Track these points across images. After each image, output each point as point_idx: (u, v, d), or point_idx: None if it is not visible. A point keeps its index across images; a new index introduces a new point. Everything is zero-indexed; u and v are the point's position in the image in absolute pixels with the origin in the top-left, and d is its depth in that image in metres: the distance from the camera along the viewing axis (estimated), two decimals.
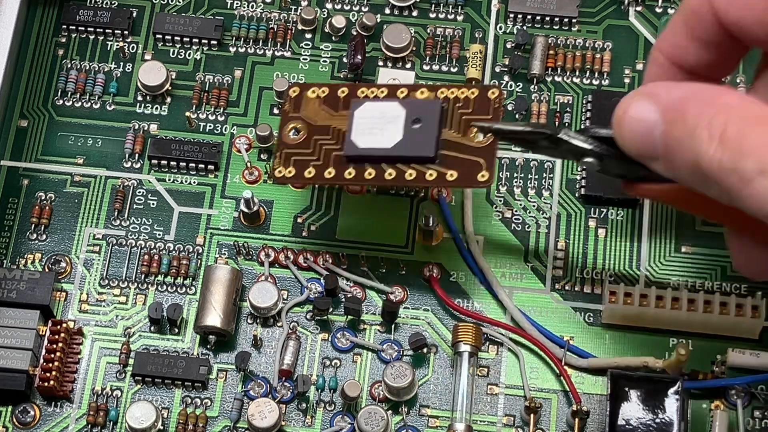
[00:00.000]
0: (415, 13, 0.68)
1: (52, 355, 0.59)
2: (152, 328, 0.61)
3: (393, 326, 0.61)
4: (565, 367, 0.59)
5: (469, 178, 0.55)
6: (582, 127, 0.54)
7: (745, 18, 0.49)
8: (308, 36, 0.68)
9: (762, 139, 0.43)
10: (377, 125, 0.57)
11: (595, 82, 0.66)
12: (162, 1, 0.68)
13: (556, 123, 0.65)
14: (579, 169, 0.64)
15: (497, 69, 0.67)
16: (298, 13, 0.68)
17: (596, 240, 0.63)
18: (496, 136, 0.55)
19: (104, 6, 0.68)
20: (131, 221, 0.63)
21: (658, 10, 0.68)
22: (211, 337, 0.60)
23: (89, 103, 0.66)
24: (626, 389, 0.56)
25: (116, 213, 0.63)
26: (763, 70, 0.54)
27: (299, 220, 0.63)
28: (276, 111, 0.66)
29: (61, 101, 0.66)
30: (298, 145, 0.58)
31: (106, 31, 0.67)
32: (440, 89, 0.57)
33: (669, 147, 0.47)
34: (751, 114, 0.45)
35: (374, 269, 0.62)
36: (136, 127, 0.66)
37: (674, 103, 0.47)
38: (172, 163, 0.64)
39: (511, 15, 0.67)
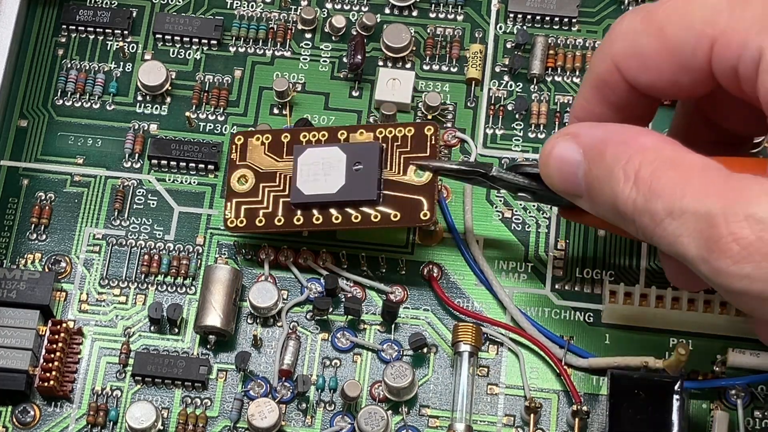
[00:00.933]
0: (415, 13, 0.68)
1: (52, 355, 0.59)
2: (152, 328, 0.61)
3: (393, 326, 0.61)
4: (565, 367, 0.59)
5: (412, 216, 0.58)
6: (513, 163, 0.57)
7: (656, 82, 0.50)
8: (308, 36, 0.68)
9: (672, 181, 0.45)
10: (320, 171, 0.59)
11: None
12: (162, 1, 0.68)
13: (556, 123, 0.65)
14: None
15: (497, 69, 0.67)
16: (298, 13, 0.68)
17: (596, 240, 0.63)
18: (434, 173, 0.58)
19: (104, 6, 0.68)
20: (131, 221, 0.63)
21: None
22: (211, 337, 0.60)
23: (89, 103, 0.66)
24: (626, 389, 0.56)
25: (116, 213, 0.63)
26: (680, 111, 0.56)
27: None
28: (276, 111, 0.66)
29: (61, 101, 0.66)
30: (246, 193, 0.60)
31: (106, 31, 0.67)
32: (378, 129, 0.60)
33: (590, 186, 0.49)
34: (665, 156, 0.46)
35: (374, 269, 0.62)
36: (136, 127, 0.65)
37: (594, 143, 0.49)
38: (172, 163, 0.64)
39: (511, 15, 0.67)
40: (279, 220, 0.59)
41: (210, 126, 0.65)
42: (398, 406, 0.59)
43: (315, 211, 0.59)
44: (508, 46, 0.67)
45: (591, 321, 0.61)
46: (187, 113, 0.65)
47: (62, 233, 0.63)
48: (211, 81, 0.66)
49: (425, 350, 0.60)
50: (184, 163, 0.64)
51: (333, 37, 0.67)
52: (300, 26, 0.68)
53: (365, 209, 0.59)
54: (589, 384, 0.60)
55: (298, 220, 0.59)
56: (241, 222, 0.60)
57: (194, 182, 0.64)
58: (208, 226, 0.63)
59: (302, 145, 0.60)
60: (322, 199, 0.59)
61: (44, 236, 0.63)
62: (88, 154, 0.65)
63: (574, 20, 0.67)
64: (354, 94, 0.66)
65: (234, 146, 0.61)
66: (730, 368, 0.59)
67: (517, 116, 0.65)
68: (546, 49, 0.66)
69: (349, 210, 0.59)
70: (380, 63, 0.67)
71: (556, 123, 0.65)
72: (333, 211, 0.59)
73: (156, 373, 0.59)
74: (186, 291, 0.62)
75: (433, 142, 0.59)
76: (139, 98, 0.66)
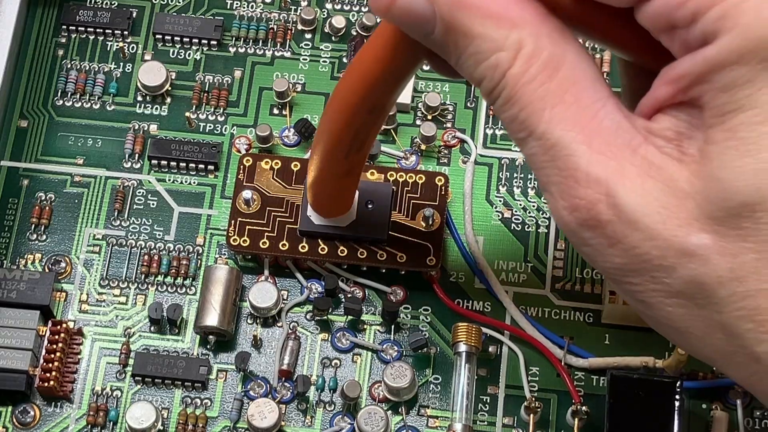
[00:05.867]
0: None
1: (52, 356, 0.59)
2: (152, 328, 0.61)
3: (393, 326, 0.61)
4: (565, 367, 0.59)
5: (418, 261, 0.60)
6: None
7: None
8: (308, 36, 0.68)
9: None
10: None
11: None
12: (162, 1, 0.68)
13: None
14: None
15: None
16: (297, 14, 0.68)
17: None
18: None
19: (104, 6, 0.68)
20: (131, 221, 0.63)
21: None
22: (210, 337, 0.60)
23: (89, 104, 0.66)
24: (626, 389, 0.56)
25: (116, 213, 0.63)
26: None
27: None
28: (276, 111, 0.66)
29: (61, 101, 0.66)
30: (251, 214, 0.60)
31: (106, 31, 0.67)
32: (389, 172, 0.61)
33: None
34: None
35: (374, 269, 0.62)
36: (136, 127, 0.66)
37: None
38: (172, 163, 0.64)
39: None
40: (284, 245, 0.60)
41: (210, 126, 0.65)
42: (398, 406, 0.59)
43: (321, 242, 0.60)
44: None
45: (591, 321, 0.61)
46: (187, 113, 0.65)
47: (62, 233, 0.63)
48: (211, 81, 0.66)
49: (425, 350, 0.60)
50: (184, 164, 0.64)
51: (333, 38, 0.67)
52: (300, 26, 0.68)
53: (372, 247, 0.60)
54: (589, 384, 0.60)
55: (303, 247, 0.60)
56: (245, 242, 0.60)
57: (194, 182, 0.64)
58: (208, 226, 0.63)
59: None
60: (330, 231, 0.59)
61: (44, 236, 0.63)
62: (88, 155, 0.65)
63: None
64: None
65: (242, 167, 0.61)
66: None
67: None
68: None
69: (355, 245, 0.60)
70: None
71: None
72: (339, 244, 0.60)
73: (156, 374, 0.59)
74: (186, 291, 0.62)
75: (443, 192, 0.60)
76: (139, 99, 0.66)
